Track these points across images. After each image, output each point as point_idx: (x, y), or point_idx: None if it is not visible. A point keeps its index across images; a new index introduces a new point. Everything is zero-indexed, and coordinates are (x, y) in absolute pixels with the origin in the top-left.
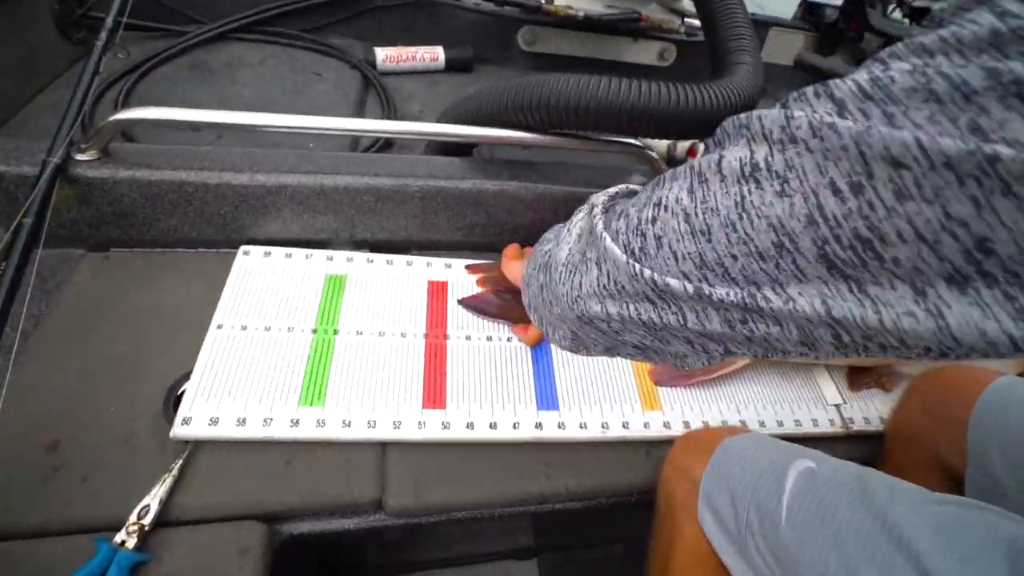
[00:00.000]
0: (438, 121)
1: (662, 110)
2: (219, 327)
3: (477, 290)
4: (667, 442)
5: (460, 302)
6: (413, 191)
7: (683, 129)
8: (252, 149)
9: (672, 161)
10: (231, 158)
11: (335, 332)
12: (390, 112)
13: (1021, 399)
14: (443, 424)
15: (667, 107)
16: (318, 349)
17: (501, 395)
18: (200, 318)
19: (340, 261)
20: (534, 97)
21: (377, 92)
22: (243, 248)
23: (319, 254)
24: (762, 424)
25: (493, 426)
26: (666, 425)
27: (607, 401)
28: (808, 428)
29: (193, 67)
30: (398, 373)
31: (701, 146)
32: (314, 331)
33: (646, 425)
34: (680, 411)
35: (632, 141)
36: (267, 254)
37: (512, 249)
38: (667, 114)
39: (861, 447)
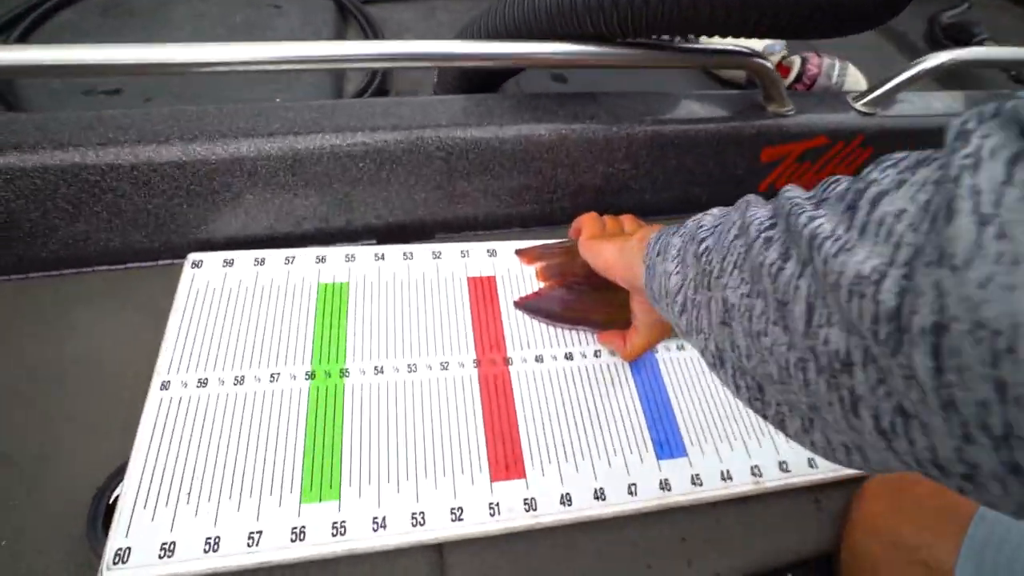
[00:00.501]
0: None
1: None
2: (164, 386)
3: (536, 285)
4: (839, 486)
5: (517, 304)
6: (431, 148)
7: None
8: (185, 107)
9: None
10: (151, 122)
11: (342, 373)
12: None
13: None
14: (526, 503)
15: None
16: (320, 403)
17: (604, 445)
18: (135, 373)
19: (336, 262)
20: None
21: (359, 24)
22: (191, 257)
23: (304, 255)
24: None
25: (600, 495)
26: None
27: (750, 433)
28: None
29: (106, 10)
30: (447, 429)
31: (797, 60)
32: (311, 375)
33: (811, 464)
34: None
35: (737, 48)
36: (227, 263)
37: (590, 222)
38: None
39: None
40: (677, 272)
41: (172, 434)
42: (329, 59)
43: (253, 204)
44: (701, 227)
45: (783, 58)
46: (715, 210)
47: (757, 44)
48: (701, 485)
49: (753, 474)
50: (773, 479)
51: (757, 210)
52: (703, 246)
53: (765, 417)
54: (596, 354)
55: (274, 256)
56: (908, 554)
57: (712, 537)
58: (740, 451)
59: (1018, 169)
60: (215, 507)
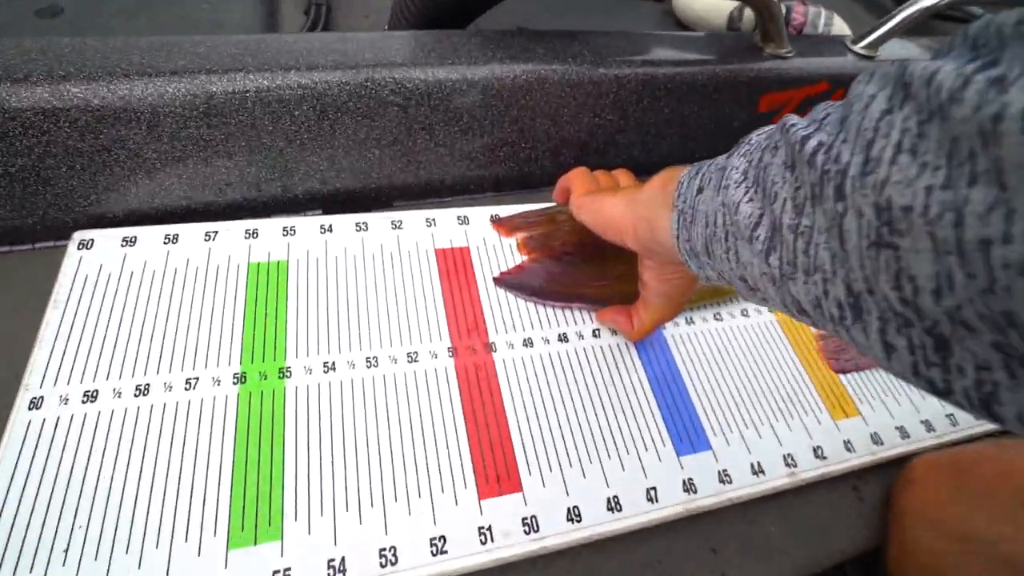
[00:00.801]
0: None
1: None
2: (35, 404)
3: (519, 258)
4: (877, 471)
5: (497, 281)
6: (384, 92)
7: None
8: (58, 38)
9: (733, 28)
10: (4, 55)
11: (282, 374)
12: (318, 9)
13: None
14: (526, 524)
15: None
16: (254, 414)
17: (614, 443)
18: None
19: (272, 236)
20: None
21: None
22: (79, 236)
23: (230, 228)
24: None
25: (614, 505)
26: (875, 440)
27: (778, 415)
28: None
29: None
30: (419, 437)
31: (782, 7)
32: (240, 379)
33: (848, 446)
34: (885, 410)
35: None
36: (128, 241)
37: (580, 177)
38: None
39: None
40: (749, 200)
41: (46, 468)
42: None
43: (159, 166)
44: (768, 140)
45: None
46: (754, 134)
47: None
48: (730, 483)
49: (787, 464)
50: (809, 468)
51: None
52: (811, 145)
53: (950, 392)
54: (595, 333)
55: (190, 231)
56: (984, 548)
57: (747, 544)
58: (769, 438)
59: None
60: (104, 567)
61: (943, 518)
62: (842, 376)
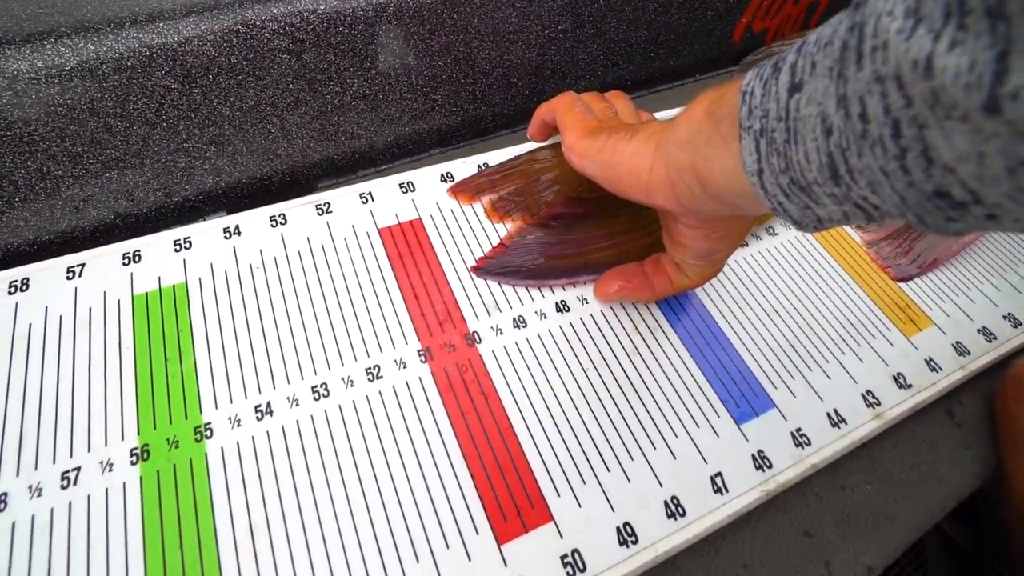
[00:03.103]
0: None
1: None
2: None
3: (489, 226)
4: (970, 387)
5: (478, 271)
6: (267, 36)
7: None
8: None
9: None
10: None
11: (200, 434)
12: None
13: None
14: (567, 562)
15: None
16: (166, 497)
17: (656, 428)
18: None
19: (160, 254)
20: None
21: None
22: None
23: (100, 257)
24: None
25: (675, 510)
26: (959, 350)
27: (844, 347)
28: None
29: None
30: (402, 479)
31: None
32: (140, 454)
33: (931, 365)
34: (962, 313)
35: None
36: None
37: (570, 109)
38: None
39: None
40: (952, 44)
41: None
42: None
43: None
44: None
45: None
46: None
47: None
48: (809, 444)
49: (868, 404)
50: (895, 403)
51: None
52: None
53: None
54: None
55: (45, 271)
56: None
57: (843, 515)
58: (840, 377)
59: None
60: None
61: None
62: (903, 285)
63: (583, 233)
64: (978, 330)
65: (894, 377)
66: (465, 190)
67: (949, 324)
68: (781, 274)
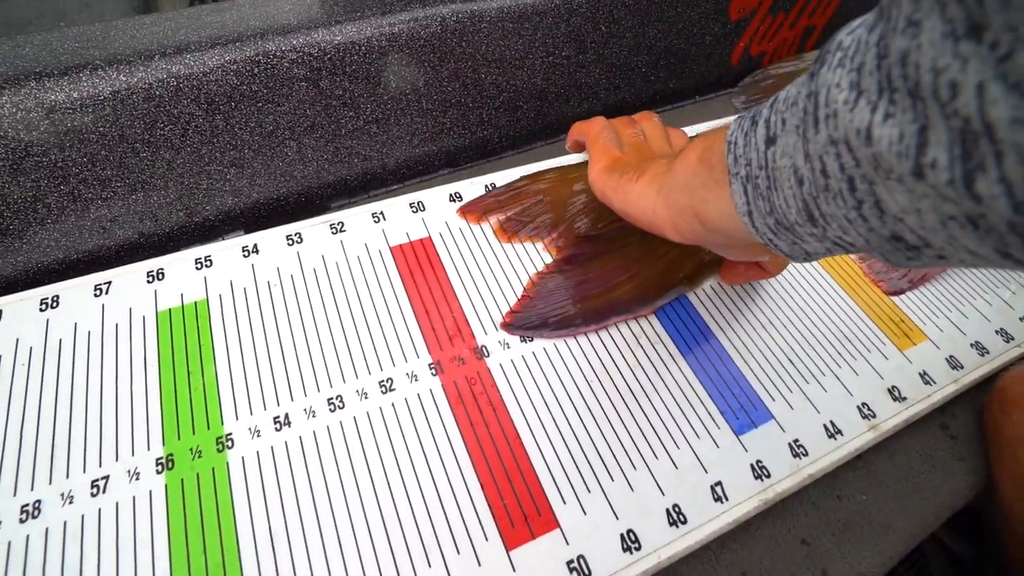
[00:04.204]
0: None
1: None
2: None
3: (499, 254)
4: (962, 401)
5: (509, 327)
6: (285, 65)
7: None
8: None
9: None
10: None
11: (221, 444)
12: None
13: None
14: (573, 568)
15: None
16: (190, 506)
17: (658, 439)
18: None
19: (182, 273)
20: None
21: None
22: None
23: (126, 275)
24: None
25: (676, 518)
26: (953, 364)
27: (840, 360)
28: None
29: None
30: (414, 487)
31: None
32: (166, 463)
33: (924, 379)
34: (955, 328)
35: None
36: None
37: (598, 139)
38: None
39: None
40: (886, 116)
41: None
42: None
43: (9, 215)
44: (879, 24)
45: None
46: (844, 35)
47: None
48: (806, 454)
49: (864, 416)
50: (889, 415)
51: None
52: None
53: None
54: None
55: (74, 289)
56: None
57: (840, 524)
58: (836, 390)
59: None
60: None
61: None
62: (896, 299)
63: (600, 269)
64: (971, 344)
65: (889, 390)
66: (474, 211)
67: (943, 338)
68: (779, 290)
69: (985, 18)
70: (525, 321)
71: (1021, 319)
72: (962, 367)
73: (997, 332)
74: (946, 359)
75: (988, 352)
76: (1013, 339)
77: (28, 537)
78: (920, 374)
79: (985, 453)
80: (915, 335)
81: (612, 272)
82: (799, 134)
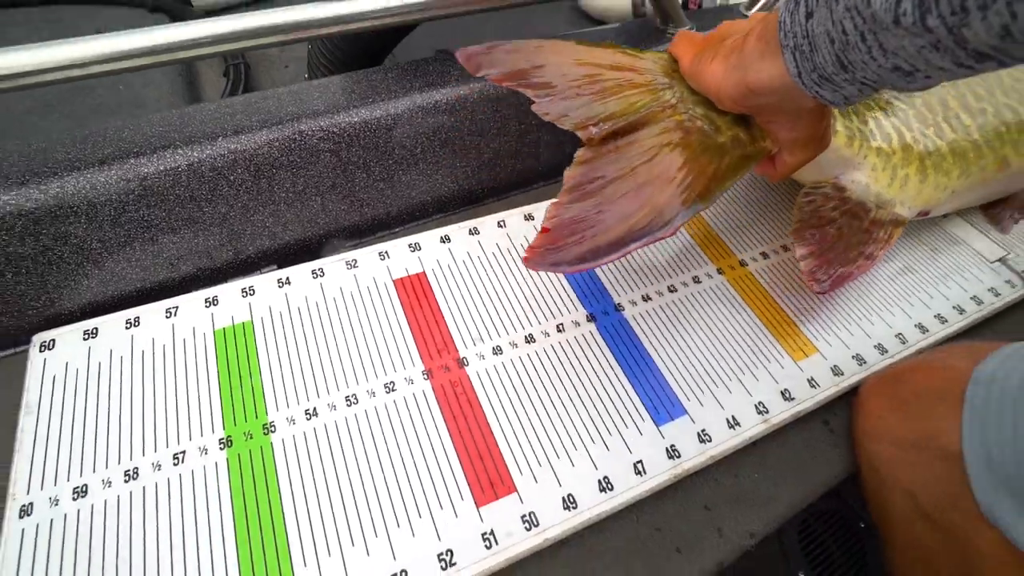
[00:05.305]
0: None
1: None
2: (25, 512)
3: (480, 282)
4: (842, 401)
5: (529, 263)
6: (314, 141)
7: None
8: None
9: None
10: None
11: (267, 429)
12: (236, 68)
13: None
14: (525, 521)
15: None
16: (246, 474)
17: (595, 427)
18: None
19: (232, 300)
20: None
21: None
22: (38, 339)
23: (189, 301)
24: (942, 319)
25: (606, 485)
26: (836, 371)
27: (743, 368)
28: (992, 302)
29: None
30: (410, 461)
31: None
32: (226, 443)
33: (811, 383)
34: (840, 343)
35: None
36: (90, 334)
37: (684, 44)
38: None
39: None
40: None
41: (47, 573)
42: (167, 48)
43: (106, 254)
44: None
45: None
46: None
47: None
48: (710, 441)
49: (759, 412)
50: (780, 411)
51: None
52: None
53: None
54: (559, 328)
55: (150, 312)
56: (921, 450)
57: (735, 496)
58: (739, 391)
59: None
60: None
61: (889, 427)
62: (795, 319)
63: (613, 196)
64: (852, 356)
65: (781, 392)
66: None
67: (830, 351)
68: (700, 311)
69: None
70: (547, 257)
71: (896, 335)
72: (843, 374)
73: (875, 347)
74: (831, 368)
75: (866, 362)
76: (887, 351)
77: (131, 494)
78: (808, 380)
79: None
80: (808, 349)
81: (625, 199)
82: (827, 7)
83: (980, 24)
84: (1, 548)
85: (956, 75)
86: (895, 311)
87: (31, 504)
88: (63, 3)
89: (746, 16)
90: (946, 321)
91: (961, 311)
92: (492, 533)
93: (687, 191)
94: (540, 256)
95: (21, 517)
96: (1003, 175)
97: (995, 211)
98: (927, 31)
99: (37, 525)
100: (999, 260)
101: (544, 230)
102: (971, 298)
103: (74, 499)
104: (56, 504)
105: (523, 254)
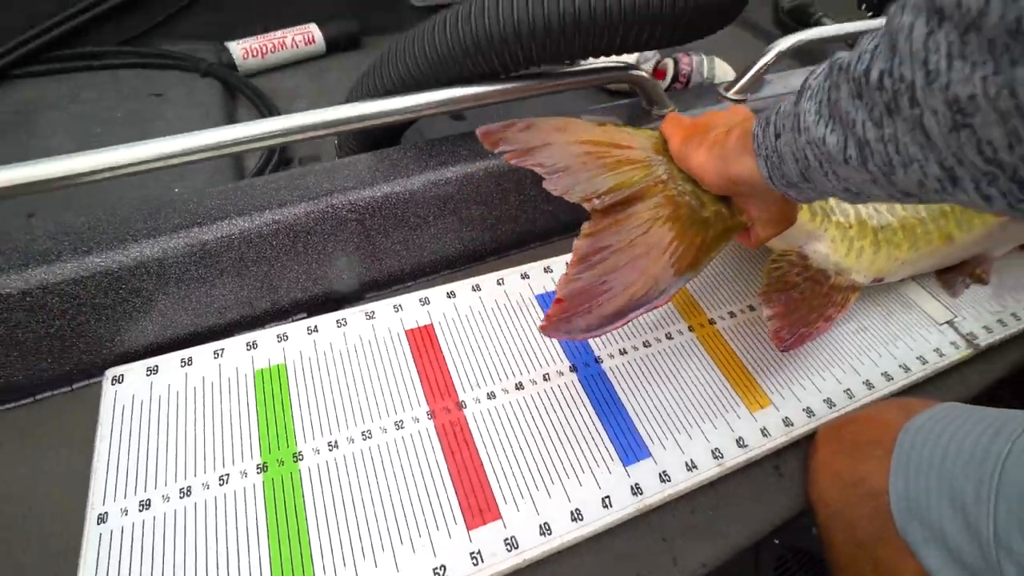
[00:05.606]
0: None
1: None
2: (102, 519)
3: (483, 333)
4: (795, 447)
5: (545, 331)
6: (343, 212)
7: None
8: (73, 219)
9: None
10: (36, 242)
11: (296, 458)
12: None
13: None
14: (507, 543)
15: None
16: (278, 494)
17: (571, 465)
18: (67, 511)
19: (269, 344)
20: (491, 27)
21: (248, 99)
22: (110, 374)
23: (233, 344)
24: (888, 377)
25: (577, 516)
26: (787, 422)
27: (704, 417)
28: (936, 362)
29: None
30: (413, 489)
31: (670, 62)
32: (263, 468)
33: (764, 432)
34: (793, 396)
35: (616, 64)
36: (151, 370)
37: (671, 127)
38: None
39: (996, 365)
40: (831, 132)
41: (118, 573)
42: (223, 145)
43: (168, 304)
44: (826, 81)
45: (658, 63)
46: (811, 80)
47: (630, 57)
48: (669, 480)
49: (715, 457)
50: (733, 456)
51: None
52: (875, 74)
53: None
54: (545, 377)
55: (201, 352)
56: (858, 488)
57: (690, 529)
58: (699, 438)
59: None
60: None
61: (835, 469)
62: (754, 374)
63: (615, 268)
64: (803, 409)
65: (736, 440)
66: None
67: (783, 404)
68: (670, 365)
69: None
70: (561, 326)
71: (844, 391)
72: (793, 425)
73: (824, 401)
74: (783, 419)
75: (815, 415)
76: (836, 405)
77: (185, 508)
78: (761, 429)
79: (805, 488)
80: (763, 401)
81: (627, 270)
82: (792, 134)
83: (903, 176)
84: (83, 548)
85: (894, 202)
86: (846, 368)
87: (106, 513)
88: (125, 67)
89: (726, 96)
90: (892, 379)
91: (907, 369)
92: (479, 552)
93: (679, 261)
94: (555, 325)
95: (99, 523)
96: (949, 249)
97: (948, 276)
98: (867, 172)
99: (111, 531)
100: (947, 322)
101: (557, 300)
102: (917, 358)
103: (139, 511)
104: (126, 514)
105: (518, 309)
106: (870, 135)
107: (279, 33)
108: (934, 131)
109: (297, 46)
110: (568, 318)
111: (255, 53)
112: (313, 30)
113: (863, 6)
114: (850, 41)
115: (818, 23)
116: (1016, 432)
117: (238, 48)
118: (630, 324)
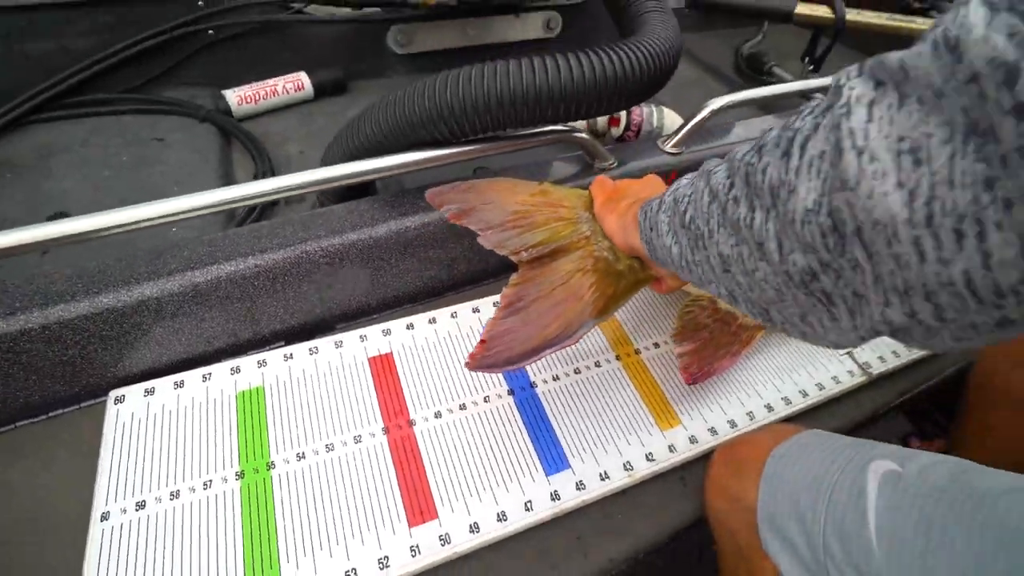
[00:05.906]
0: (323, 162)
1: (603, 81)
2: (104, 517)
3: (434, 368)
4: (699, 461)
5: (471, 367)
6: (316, 256)
7: (625, 98)
8: (85, 264)
9: (597, 135)
10: (55, 284)
11: (269, 467)
12: (263, 163)
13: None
14: (441, 539)
15: (607, 77)
16: (253, 498)
17: (500, 474)
18: (74, 514)
19: (250, 369)
20: (441, 104)
21: (242, 143)
22: (113, 394)
23: (219, 369)
24: (787, 401)
25: (502, 517)
26: (692, 440)
27: (620, 435)
28: (832, 388)
29: None
30: (366, 492)
31: (623, 112)
32: (240, 475)
33: (671, 449)
34: (701, 417)
35: (558, 128)
36: (149, 392)
37: (598, 189)
38: (611, 85)
39: (887, 391)
40: (675, 243)
41: (118, 562)
42: (222, 203)
43: (164, 336)
44: (678, 201)
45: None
46: (684, 179)
47: None
48: (585, 488)
49: (625, 469)
50: (642, 469)
51: (718, 176)
52: (687, 217)
53: (781, 330)
54: (486, 399)
55: (191, 376)
56: (739, 503)
57: (602, 530)
58: (613, 452)
59: (875, 110)
60: None
61: (724, 485)
62: (668, 397)
63: (536, 312)
64: (708, 429)
65: (646, 455)
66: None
67: (691, 424)
68: (596, 389)
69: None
70: (484, 362)
71: (747, 413)
72: (698, 442)
73: (728, 422)
74: (688, 437)
75: (718, 434)
76: (737, 426)
77: (174, 508)
78: (669, 446)
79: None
80: (674, 421)
81: (544, 315)
82: (655, 233)
83: (715, 281)
84: (88, 542)
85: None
86: (750, 392)
87: (107, 512)
88: (130, 112)
89: (664, 149)
90: (791, 403)
91: (805, 395)
92: (417, 546)
93: (591, 307)
94: (478, 362)
95: (102, 520)
96: None
97: None
98: (696, 278)
99: (112, 527)
100: (846, 352)
101: (482, 341)
102: (815, 384)
103: (136, 510)
104: (124, 512)
105: (467, 339)
106: (688, 257)
107: (271, 81)
108: (717, 268)
109: (287, 92)
110: (490, 356)
111: (249, 99)
112: (302, 77)
113: (806, 59)
114: (780, 99)
115: (770, 72)
116: (848, 461)
117: (233, 95)
118: (563, 352)
